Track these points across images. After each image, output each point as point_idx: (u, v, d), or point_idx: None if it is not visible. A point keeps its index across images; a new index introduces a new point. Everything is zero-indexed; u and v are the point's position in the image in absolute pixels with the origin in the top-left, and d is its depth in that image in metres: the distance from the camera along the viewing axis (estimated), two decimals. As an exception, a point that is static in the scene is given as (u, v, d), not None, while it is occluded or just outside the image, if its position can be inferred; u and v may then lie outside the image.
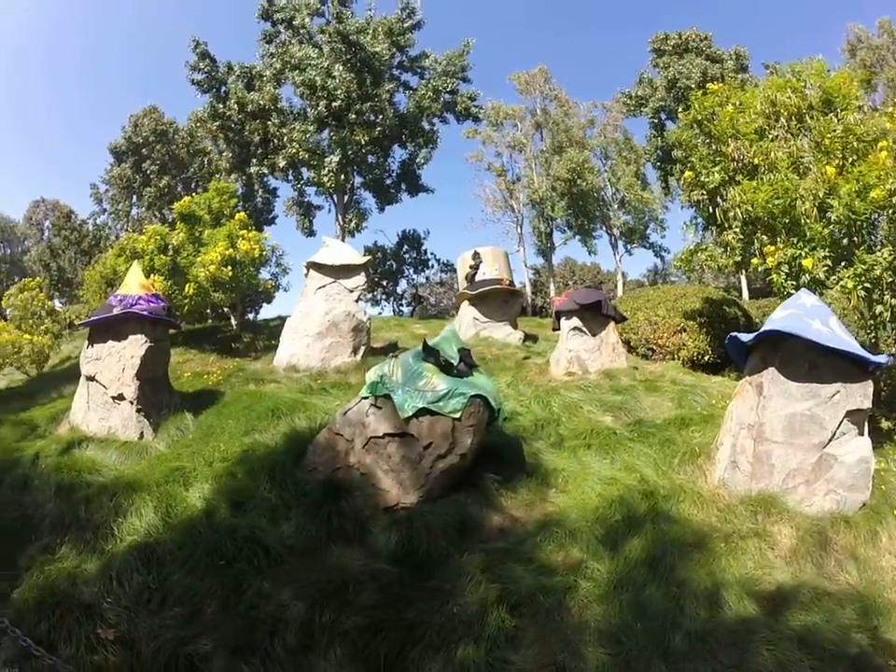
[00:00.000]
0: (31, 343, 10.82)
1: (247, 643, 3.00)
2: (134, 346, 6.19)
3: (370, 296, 25.93)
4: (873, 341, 6.17)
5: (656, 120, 20.41)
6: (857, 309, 5.80)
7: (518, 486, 4.88)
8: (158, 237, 10.47)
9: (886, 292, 5.70)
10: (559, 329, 9.35)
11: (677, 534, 4.11)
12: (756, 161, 6.63)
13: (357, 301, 9.85)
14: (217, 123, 18.90)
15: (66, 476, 4.79)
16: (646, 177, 24.17)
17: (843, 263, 5.79)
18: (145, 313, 6.29)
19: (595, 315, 9.10)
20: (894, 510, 4.44)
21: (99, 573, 3.52)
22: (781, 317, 4.88)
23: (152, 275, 10.02)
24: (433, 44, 20.42)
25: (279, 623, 3.13)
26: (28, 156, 62.79)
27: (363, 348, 9.58)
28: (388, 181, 20.89)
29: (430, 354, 5.09)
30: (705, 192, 7.56)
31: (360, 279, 9.98)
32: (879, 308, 5.76)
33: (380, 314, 24.98)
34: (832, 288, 5.63)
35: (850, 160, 5.99)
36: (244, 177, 19.82)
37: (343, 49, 17.60)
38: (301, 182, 20.50)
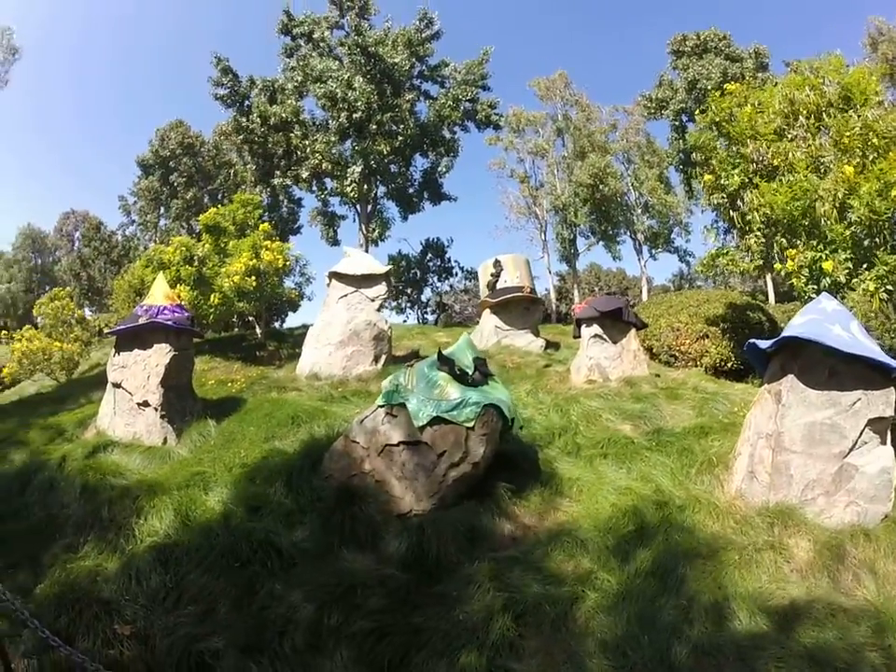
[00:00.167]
0: (61, 351, 11.24)
1: (257, 642, 3.08)
2: (159, 355, 6.41)
3: (394, 304, 26.20)
4: (898, 345, 5.99)
5: (677, 123, 20.20)
6: (882, 312, 5.60)
7: (531, 495, 4.87)
8: (183, 248, 10.81)
9: (909, 294, 5.53)
10: (580, 337, 9.31)
11: (689, 545, 4.05)
12: (775, 162, 6.51)
13: (378, 311, 10.00)
14: (241, 137, 19.44)
15: (91, 478, 5.00)
16: (669, 181, 23.86)
17: (864, 265, 5.62)
18: (169, 322, 6.52)
19: (616, 322, 9.03)
20: (918, 522, 4.24)
21: (119, 571, 3.67)
22: (800, 323, 4.77)
23: (178, 286, 10.35)
24: (452, 52, 20.79)
25: (288, 624, 3.21)
26: (58, 169, 65.72)
27: (384, 357, 9.71)
28: (411, 190, 21.12)
29: (445, 363, 5.14)
30: (725, 195, 7.45)
31: (382, 288, 10.13)
32: (902, 311, 5.59)
33: (405, 321, 25.22)
34: (854, 291, 5.46)
35: (871, 157, 5.81)
36: (268, 189, 20.29)
37: (363, 61, 17.94)
38: (325, 192, 20.88)
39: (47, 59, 61.55)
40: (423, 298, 27.31)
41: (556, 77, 25.03)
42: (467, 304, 29.56)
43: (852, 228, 5.63)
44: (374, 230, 21.17)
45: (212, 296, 10.64)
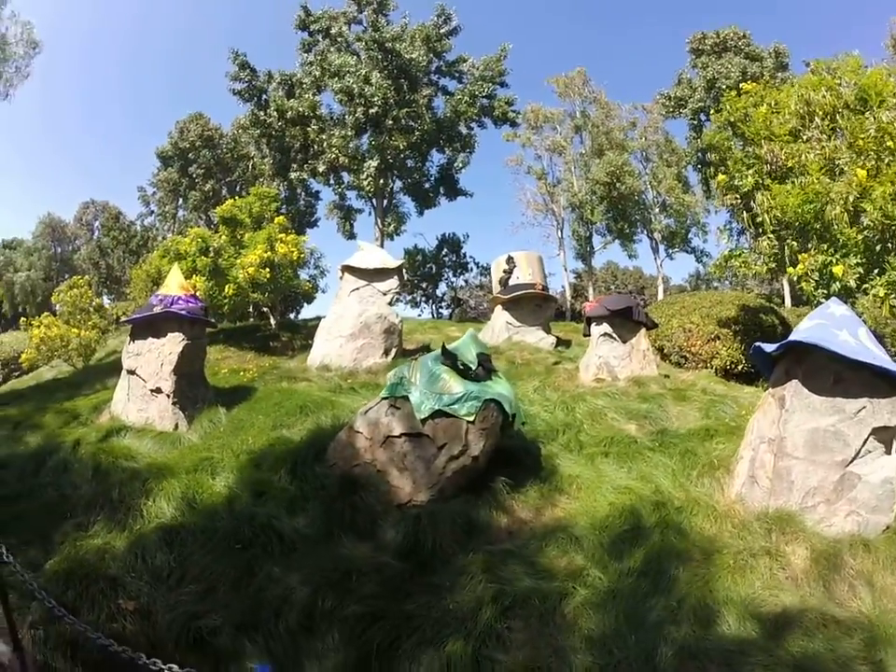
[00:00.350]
0: (78, 338, 11.48)
1: (253, 621, 3.20)
2: (173, 343, 6.57)
3: (409, 298, 26.38)
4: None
5: (695, 122, 19.97)
6: (895, 317, 5.50)
7: (530, 490, 4.91)
8: (200, 240, 11.01)
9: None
10: (590, 335, 9.30)
11: (684, 547, 4.04)
12: (789, 163, 6.43)
13: (389, 304, 10.11)
14: (259, 130, 19.65)
15: (103, 461, 5.17)
16: (688, 180, 23.62)
17: (876, 271, 5.54)
18: (183, 312, 6.67)
19: (626, 321, 9.01)
20: (920, 534, 4.16)
21: (126, 550, 3.81)
22: (807, 327, 4.72)
23: (194, 276, 10.55)
24: (471, 48, 20.45)
25: (284, 605, 3.32)
26: (69, 163, 67.07)
27: (394, 350, 9.82)
28: (427, 185, 21.20)
29: (448, 357, 5.21)
30: (738, 196, 7.38)
31: (393, 282, 10.23)
32: (913, 318, 5.49)
33: (419, 315, 25.37)
34: (867, 296, 5.38)
35: (886, 161, 5.70)
36: (285, 182, 20.50)
37: (380, 57, 18.04)
38: (342, 186, 21.05)
39: (57, 53, 62.86)
40: (438, 292, 27.45)
41: (575, 75, 24.87)
42: (481, 300, 29.63)
43: (865, 232, 5.54)
44: (390, 224, 21.30)
45: (227, 287, 10.82)
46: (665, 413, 7.19)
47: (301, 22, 20.05)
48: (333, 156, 18.94)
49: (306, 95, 19.19)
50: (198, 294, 9.04)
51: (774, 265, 7.28)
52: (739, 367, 9.23)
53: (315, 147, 19.54)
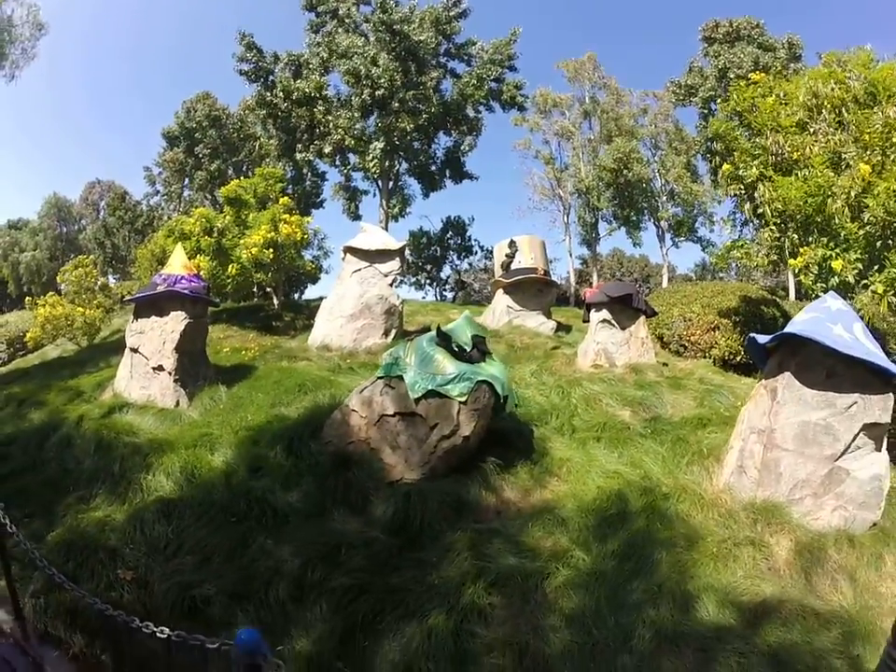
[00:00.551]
0: (83, 317, 11.60)
1: (245, 591, 3.33)
2: (175, 322, 6.66)
3: (413, 280, 26.40)
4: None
5: (706, 110, 19.70)
6: (893, 312, 5.49)
7: (521, 472, 4.99)
8: (204, 220, 11.03)
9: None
10: (589, 321, 9.33)
11: (669, 533, 4.09)
12: (794, 155, 6.37)
13: (390, 286, 10.14)
14: (265, 111, 19.52)
15: (106, 436, 5.30)
16: (696, 169, 23.32)
17: (875, 267, 5.51)
18: (186, 291, 6.75)
19: (626, 308, 9.00)
20: (906, 533, 4.16)
21: (125, 522, 3.96)
22: (802, 321, 4.71)
23: (198, 256, 10.61)
24: (481, 31, 20.36)
25: (275, 577, 3.44)
26: (78, 141, 66.81)
27: (394, 331, 9.90)
28: (433, 168, 21.06)
29: (443, 339, 5.27)
30: (742, 187, 7.32)
31: (395, 264, 10.26)
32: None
33: (423, 298, 25.40)
34: (864, 291, 5.38)
35: (892, 157, 5.64)
36: (291, 163, 20.41)
37: (388, 38, 17.79)
38: (348, 167, 20.96)
39: (63, 33, 62.06)
40: (442, 275, 27.44)
41: (585, 59, 24.51)
42: (485, 283, 29.57)
43: (866, 228, 5.50)
44: (395, 206, 21.22)
45: (230, 267, 10.88)
46: (659, 400, 7.22)
47: (309, 3, 19.81)
48: (339, 137, 18.82)
49: (313, 76, 19.02)
50: (202, 274, 9.11)
51: (775, 257, 7.26)
52: (737, 358, 9.24)
53: (322, 127, 19.40)
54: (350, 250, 10.23)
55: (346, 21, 19.37)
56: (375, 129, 19.06)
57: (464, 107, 19.67)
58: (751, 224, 7.98)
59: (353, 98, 18.80)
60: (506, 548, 3.81)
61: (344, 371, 7.98)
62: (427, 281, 27.06)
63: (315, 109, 19.19)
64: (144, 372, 6.64)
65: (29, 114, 64.53)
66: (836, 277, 5.57)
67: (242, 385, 7.10)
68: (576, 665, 2.87)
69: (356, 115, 18.77)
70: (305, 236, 12.38)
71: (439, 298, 26.51)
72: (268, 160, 20.83)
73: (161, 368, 6.56)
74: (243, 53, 19.08)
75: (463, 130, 20.19)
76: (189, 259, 8.83)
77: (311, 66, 19.33)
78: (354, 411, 5.23)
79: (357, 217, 22.05)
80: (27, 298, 15.19)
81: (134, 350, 6.72)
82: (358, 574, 3.42)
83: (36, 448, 5.46)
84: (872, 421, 4.31)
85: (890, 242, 5.46)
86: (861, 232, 5.55)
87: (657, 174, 23.73)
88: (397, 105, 18.11)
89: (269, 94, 19.20)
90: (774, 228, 6.83)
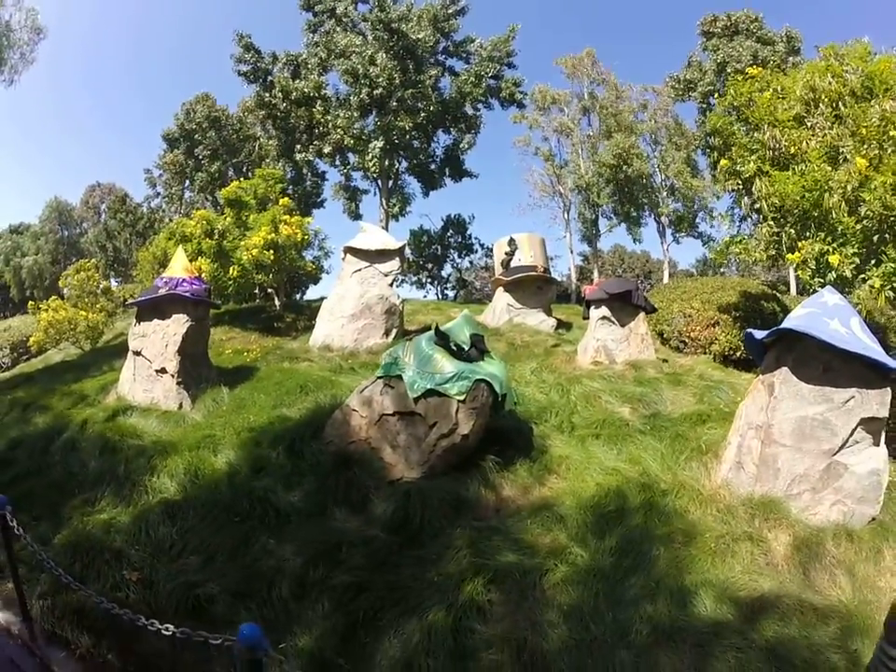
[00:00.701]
0: (86, 320, 11.67)
1: (248, 590, 3.39)
2: (177, 324, 6.73)
3: (414, 279, 26.44)
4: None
5: (705, 105, 19.65)
6: (893, 306, 5.47)
7: (520, 469, 5.03)
8: (205, 222, 11.09)
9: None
10: (589, 318, 9.36)
11: (667, 529, 4.11)
12: (791, 150, 6.36)
13: (391, 285, 10.20)
14: (264, 111, 19.58)
15: (110, 439, 5.38)
16: (696, 164, 23.28)
17: (873, 261, 5.51)
18: (187, 294, 6.81)
19: (625, 305, 9.04)
20: (905, 527, 4.15)
21: (130, 524, 4.02)
22: (798, 316, 4.71)
23: (199, 258, 10.67)
24: (479, 28, 20.27)
25: (277, 575, 3.50)
26: (78, 144, 66.91)
27: (395, 330, 9.96)
28: (432, 166, 21.09)
29: (441, 338, 5.32)
30: (740, 182, 7.32)
31: (395, 264, 10.32)
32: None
33: (425, 297, 25.44)
34: (859, 287, 5.38)
35: (889, 150, 5.63)
36: (291, 163, 20.45)
37: (386, 37, 17.79)
38: (348, 167, 20.99)
39: (63, 37, 62.28)
40: (443, 274, 27.47)
41: (584, 55, 24.44)
42: (487, 281, 29.60)
43: (863, 222, 5.49)
44: (395, 204, 21.28)
45: (231, 269, 10.94)
46: (659, 396, 7.25)
47: (307, 2, 19.82)
48: (338, 136, 18.86)
49: (311, 76, 19.06)
50: (203, 276, 9.19)
51: (773, 252, 7.25)
52: (738, 353, 9.24)
53: (321, 127, 19.45)
54: (350, 250, 10.29)
55: (344, 20, 19.38)
56: (374, 128, 19.09)
57: (462, 105, 19.67)
58: (749, 219, 7.96)
59: (351, 97, 18.82)
60: (505, 545, 3.84)
61: (345, 372, 8.05)
62: (429, 280, 27.12)
63: (313, 109, 19.23)
64: (147, 375, 6.71)
65: (30, 117, 64.85)
66: (834, 272, 5.57)
67: (244, 386, 7.18)
68: (573, 661, 2.90)
69: (354, 114, 18.80)
70: (306, 237, 12.43)
71: (440, 296, 26.56)
72: (268, 160, 20.87)
73: (163, 370, 6.63)
74: (241, 54, 19.13)
75: (462, 128, 20.21)
76: (191, 261, 8.91)
77: (309, 66, 19.36)
78: (354, 410, 5.29)
79: (357, 217, 22.13)
80: (30, 302, 15.27)
81: (137, 353, 6.78)
82: (359, 572, 3.48)
83: (42, 452, 5.54)
84: (869, 415, 4.30)
85: (887, 236, 5.44)
86: (859, 227, 5.54)
87: (657, 169, 23.70)
88: (395, 103, 18.13)
89: (268, 95, 19.25)
90: (772, 223, 6.82)
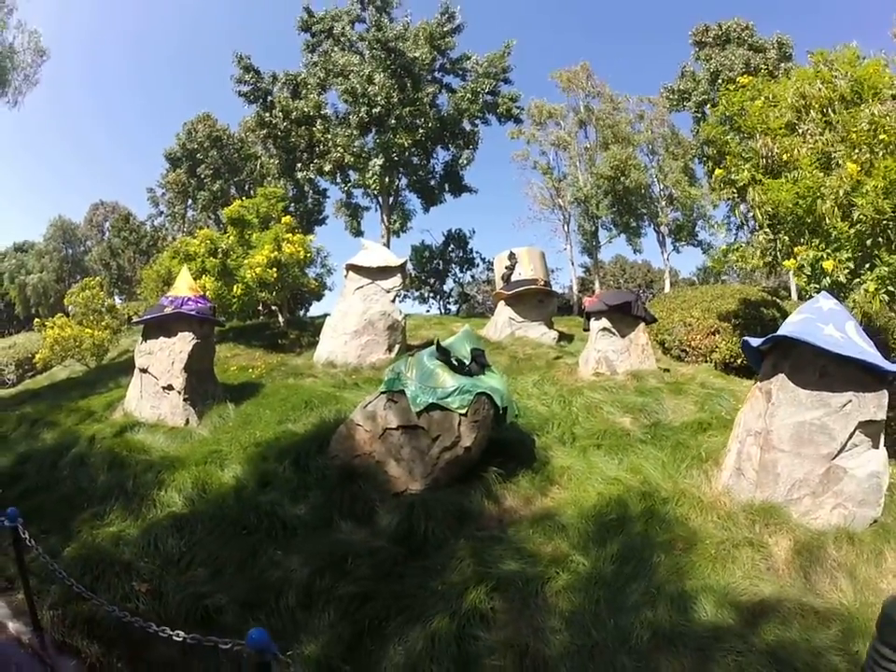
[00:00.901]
0: (91, 338, 11.85)
1: (255, 600, 3.45)
2: (183, 342, 6.86)
3: (416, 294, 26.58)
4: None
5: (700, 114, 19.81)
6: (891, 310, 5.52)
7: (522, 480, 5.09)
8: (208, 241, 11.29)
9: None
10: (589, 330, 9.45)
11: (668, 537, 4.15)
12: (784, 157, 6.47)
13: (393, 301, 10.34)
14: (265, 131, 19.88)
15: (118, 454, 5.48)
16: (694, 173, 23.43)
17: (867, 265, 5.58)
18: (193, 312, 6.96)
19: (625, 316, 9.13)
20: (907, 529, 4.17)
21: (139, 537, 4.10)
22: (793, 322, 4.76)
23: (203, 276, 10.84)
24: (474, 45, 20.66)
25: (284, 585, 3.56)
26: (81, 164, 67.91)
27: (398, 346, 10.06)
28: (432, 182, 21.30)
29: (443, 353, 5.41)
30: (735, 191, 7.44)
31: (397, 280, 10.46)
32: (902, 313, 5.51)
33: (427, 311, 25.55)
34: (854, 291, 5.45)
35: (880, 154, 5.71)
36: (292, 181, 20.73)
37: (383, 56, 18.09)
38: (349, 184, 21.22)
39: (65, 57, 63.64)
40: (445, 288, 27.59)
41: (578, 69, 24.73)
42: (489, 295, 29.72)
43: (857, 226, 5.56)
44: (396, 221, 21.48)
45: (235, 286, 11.11)
46: (660, 406, 7.30)
47: (304, 24, 20.18)
48: (339, 154, 19.11)
49: (311, 95, 19.36)
50: (207, 294, 9.33)
51: (770, 259, 7.34)
52: (738, 361, 9.29)
53: (321, 146, 19.71)
54: (352, 268, 10.44)
55: (342, 39, 19.69)
56: (374, 145, 19.34)
57: (460, 121, 19.93)
58: (746, 227, 8.07)
59: (351, 116, 19.11)
60: (507, 554, 3.89)
61: (349, 387, 8.15)
62: (431, 294, 27.22)
63: (313, 128, 19.52)
64: (154, 392, 6.82)
65: (34, 137, 66.02)
66: (828, 277, 5.64)
67: (249, 402, 7.28)
68: (575, 666, 2.94)
69: (354, 132, 19.07)
70: (308, 254, 12.62)
71: (443, 311, 26.65)
72: (269, 179, 21.15)
73: (170, 387, 6.74)
74: (241, 75, 19.47)
75: (460, 143, 20.45)
76: (195, 279, 9.06)
77: (308, 86, 19.67)
78: (359, 425, 5.37)
79: (359, 234, 22.32)
80: (35, 319, 15.49)
81: (144, 370, 6.90)
82: (365, 582, 3.53)
83: (50, 467, 5.63)
84: (867, 418, 4.33)
85: (881, 240, 5.49)
86: (852, 231, 5.60)
87: (655, 179, 23.88)
88: (394, 121, 18.40)
89: (268, 115, 19.56)
90: (767, 230, 6.92)
